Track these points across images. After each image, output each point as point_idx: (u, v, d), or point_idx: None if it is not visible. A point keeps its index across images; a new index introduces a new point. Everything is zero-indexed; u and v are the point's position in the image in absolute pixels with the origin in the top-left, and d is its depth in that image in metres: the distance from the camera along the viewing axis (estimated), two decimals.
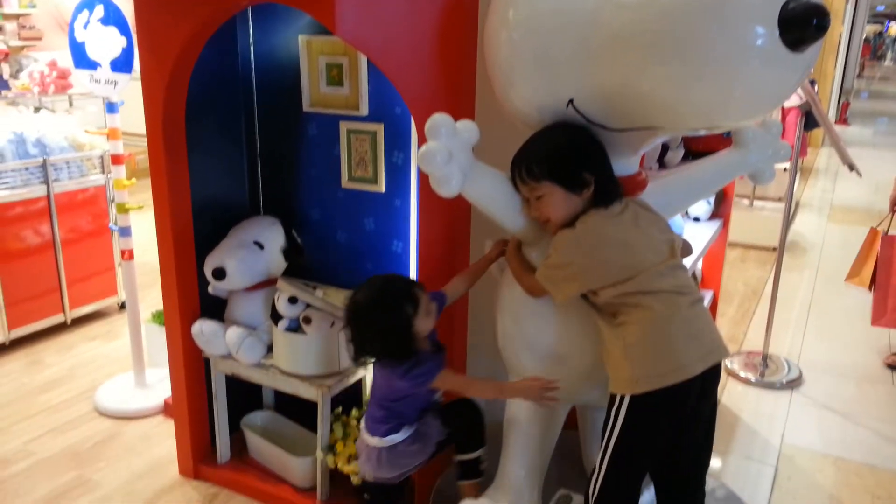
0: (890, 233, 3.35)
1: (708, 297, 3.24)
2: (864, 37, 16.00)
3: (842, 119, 12.00)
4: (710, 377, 1.51)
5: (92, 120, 4.35)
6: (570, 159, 1.55)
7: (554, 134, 1.58)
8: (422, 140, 1.51)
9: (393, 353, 1.78)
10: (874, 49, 33.74)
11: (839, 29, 9.67)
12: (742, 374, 3.41)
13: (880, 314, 3.33)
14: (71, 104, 5.37)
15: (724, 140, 1.91)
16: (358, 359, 1.86)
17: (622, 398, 1.52)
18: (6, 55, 5.12)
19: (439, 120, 1.49)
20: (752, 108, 1.38)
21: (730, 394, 3.28)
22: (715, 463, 2.75)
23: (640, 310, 1.49)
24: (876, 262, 3.35)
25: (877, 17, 29.03)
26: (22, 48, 6.41)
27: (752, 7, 1.24)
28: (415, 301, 1.74)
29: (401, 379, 1.77)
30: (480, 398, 1.97)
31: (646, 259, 1.52)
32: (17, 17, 6.79)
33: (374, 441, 1.91)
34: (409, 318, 1.74)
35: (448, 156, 1.47)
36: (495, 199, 1.62)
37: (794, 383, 3.36)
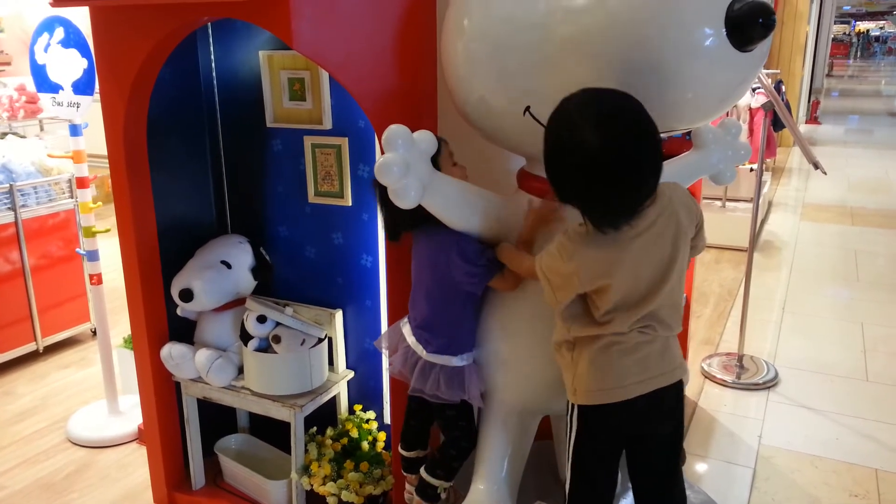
0: None
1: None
2: (831, 36, 16.26)
3: (812, 118, 12.14)
4: (657, 402, 1.51)
5: (63, 144, 4.30)
6: (551, 168, 1.39)
7: (559, 136, 1.36)
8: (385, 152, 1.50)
9: None
10: (863, 47, 33.71)
11: (805, 29, 9.81)
12: (719, 375, 3.42)
13: None
14: (42, 128, 5.30)
15: (686, 143, 1.92)
16: None
17: (573, 406, 1.55)
18: None
19: (396, 131, 1.47)
20: (705, 108, 1.39)
21: (707, 396, 3.28)
22: (693, 467, 2.75)
23: (594, 335, 1.47)
24: None
25: (843, 17, 29.57)
26: None
27: (697, 10, 1.25)
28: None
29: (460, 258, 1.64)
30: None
31: (623, 297, 1.44)
32: None
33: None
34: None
35: (405, 167, 1.45)
36: (455, 209, 1.61)
37: (770, 384, 3.37)
